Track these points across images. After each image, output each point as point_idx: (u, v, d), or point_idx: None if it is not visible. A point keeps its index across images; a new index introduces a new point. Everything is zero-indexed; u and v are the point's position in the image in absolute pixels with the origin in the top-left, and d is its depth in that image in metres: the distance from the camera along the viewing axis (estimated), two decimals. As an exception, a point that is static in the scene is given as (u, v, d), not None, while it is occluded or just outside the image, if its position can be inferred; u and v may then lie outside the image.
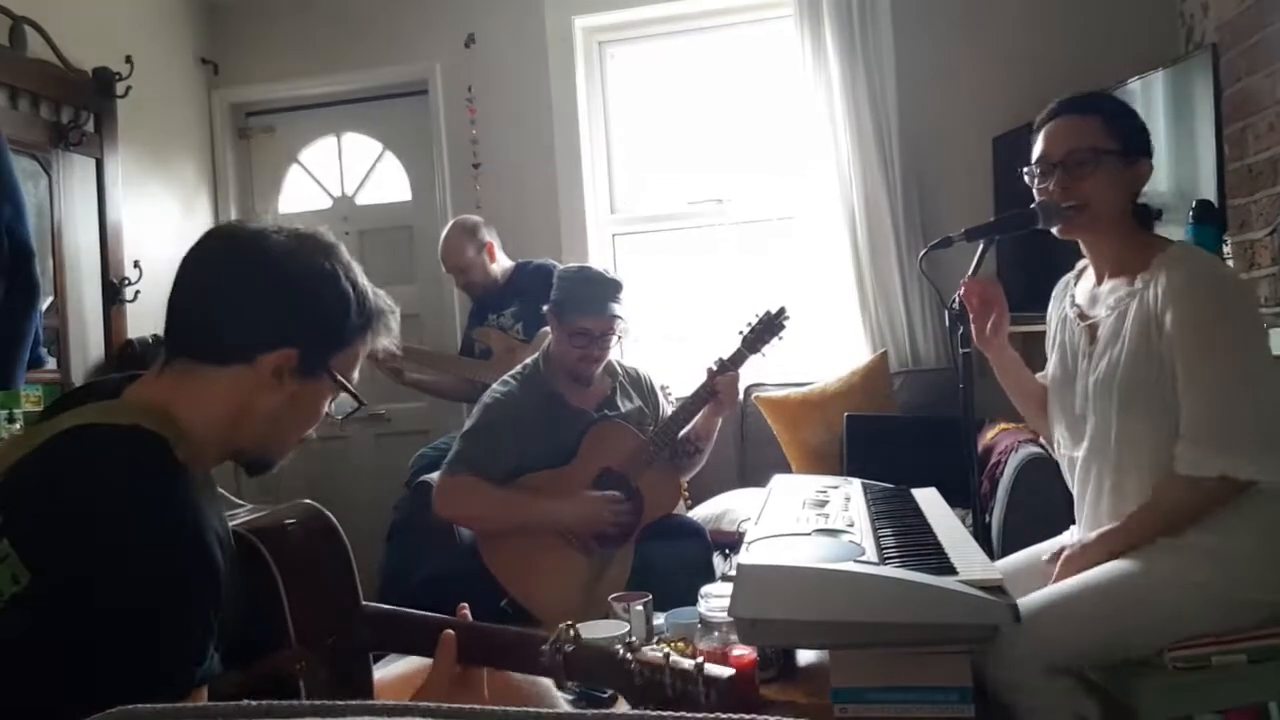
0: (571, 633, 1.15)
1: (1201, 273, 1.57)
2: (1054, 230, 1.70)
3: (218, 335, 1.06)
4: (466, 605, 1.22)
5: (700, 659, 1.11)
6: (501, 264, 3.38)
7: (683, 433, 2.57)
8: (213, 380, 1.05)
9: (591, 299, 2.47)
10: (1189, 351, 1.53)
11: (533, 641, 1.17)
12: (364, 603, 1.23)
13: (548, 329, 2.63)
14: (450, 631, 1.17)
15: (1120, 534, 1.59)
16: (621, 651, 1.12)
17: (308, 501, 1.26)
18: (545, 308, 2.56)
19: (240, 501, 1.22)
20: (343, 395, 1.16)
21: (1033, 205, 1.75)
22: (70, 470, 0.95)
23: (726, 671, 1.11)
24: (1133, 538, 1.58)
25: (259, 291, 1.07)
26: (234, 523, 1.11)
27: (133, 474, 0.95)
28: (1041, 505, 2.17)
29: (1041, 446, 2.40)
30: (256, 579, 1.08)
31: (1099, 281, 1.74)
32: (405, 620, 1.24)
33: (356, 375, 1.16)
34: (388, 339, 1.18)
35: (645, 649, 1.12)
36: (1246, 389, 1.53)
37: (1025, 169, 1.72)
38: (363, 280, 1.14)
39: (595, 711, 0.51)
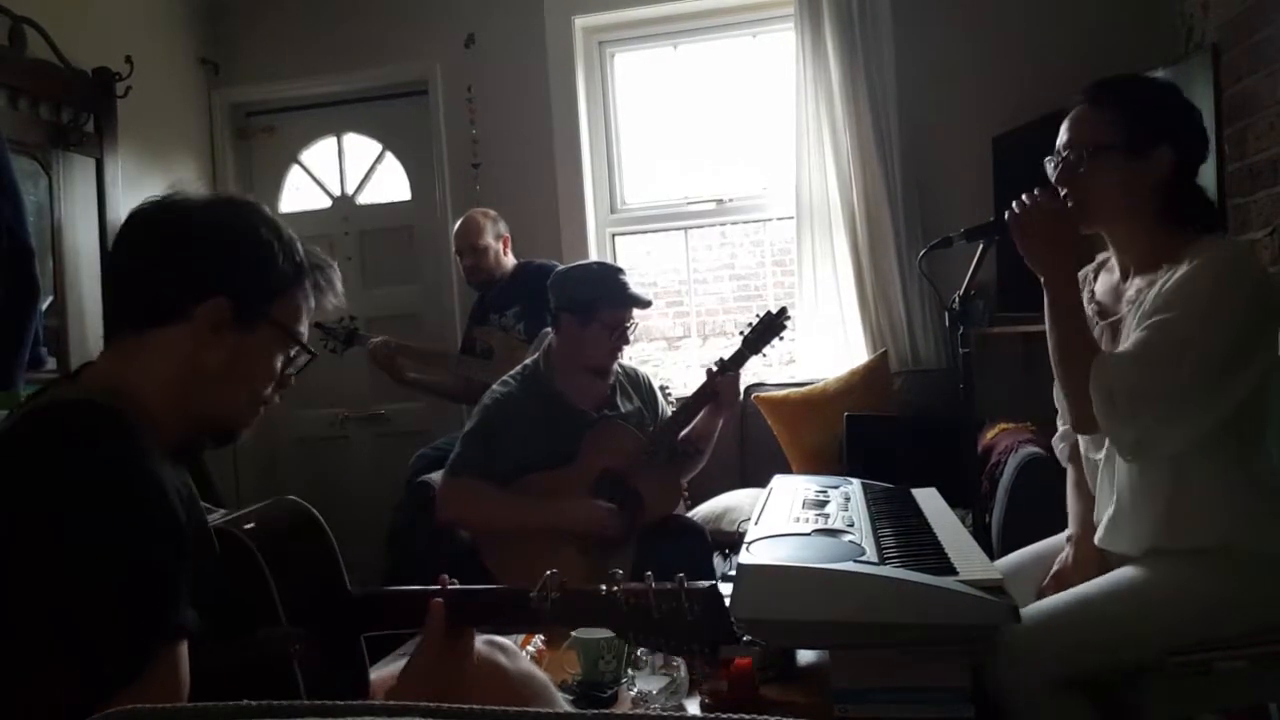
0: (557, 579, 1.16)
1: (1221, 258, 1.45)
2: None
3: (146, 295, 1.09)
4: (446, 575, 1.22)
5: (680, 575, 1.14)
6: (509, 262, 3.44)
7: (683, 433, 2.57)
8: (155, 344, 1.07)
9: (621, 288, 2.47)
10: (1161, 307, 1.44)
11: (518, 597, 1.18)
12: (350, 587, 1.25)
13: (548, 330, 2.61)
14: (439, 600, 1.17)
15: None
16: (606, 587, 1.14)
17: (290, 497, 1.28)
18: (561, 310, 2.50)
19: (214, 508, 1.23)
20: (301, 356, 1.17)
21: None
22: (26, 445, 0.97)
23: (706, 584, 1.14)
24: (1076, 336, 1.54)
25: (176, 243, 1.09)
26: (215, 520, 1.13)
27: (85, 440, 0.96)
28: (1041, 505, 2.17)
29: (1040, 446, 2.40)
30: (243, 569, 1.10)
31: (1124, 278, 1.65)
32: (390, 598, 1.26)
33: (305, 329, 1.17)
34: (334, 296, 1.19)
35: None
36: (1182, 372, 1.41)
37: (1050, 157, 1.66)
38: (289, 232, 1.15)
39: (595, 712, 0.51)
